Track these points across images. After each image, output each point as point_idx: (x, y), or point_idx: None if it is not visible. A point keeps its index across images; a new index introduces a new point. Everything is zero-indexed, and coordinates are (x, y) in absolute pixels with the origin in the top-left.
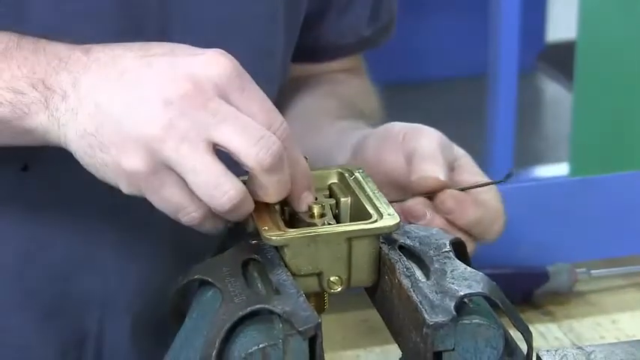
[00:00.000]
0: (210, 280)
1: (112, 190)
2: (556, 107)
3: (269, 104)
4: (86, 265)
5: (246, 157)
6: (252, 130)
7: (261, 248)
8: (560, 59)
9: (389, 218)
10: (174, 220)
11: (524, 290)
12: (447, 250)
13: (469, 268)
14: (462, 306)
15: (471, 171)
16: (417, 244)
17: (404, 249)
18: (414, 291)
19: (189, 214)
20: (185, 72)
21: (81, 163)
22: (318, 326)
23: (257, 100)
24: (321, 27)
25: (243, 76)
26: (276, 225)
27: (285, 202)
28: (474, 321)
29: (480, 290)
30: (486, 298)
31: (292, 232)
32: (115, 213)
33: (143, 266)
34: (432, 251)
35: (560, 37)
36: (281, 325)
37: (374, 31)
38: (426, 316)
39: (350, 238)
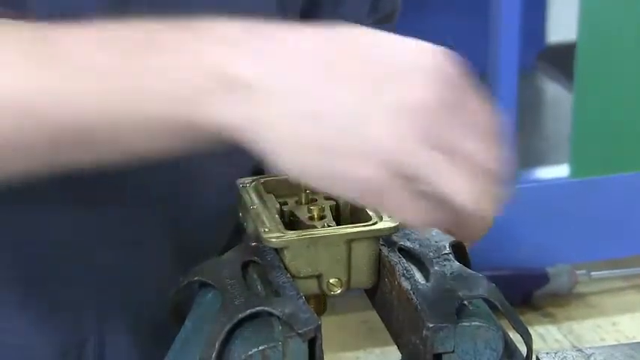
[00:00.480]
0: (210, 281)
1: (109, 191)
2: (556, 108)
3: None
4: (84, 265)
5: (463, 198)
6: (479, 171)
7: (260, 250)
8: (561, 60)
9: (388, 220)
10: (172, 219)
11: (524, 292)
12: (446, 252)
13: (469, 270)
14: (462, 308)
15: None
16: (417, 246)
17: (403, 251)
18: (413, 293)
19: (433, 219)
20: (419, 74)
21: (284, 167)
22: (318, 328)
23: (482, 119)
24: (319, 18)
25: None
26: (275, 227)
27: (284, 203)
28: (473, 323)
29: (479, 292)
30: (486, 300)
31: (292, 234)
32: (113, 212)
33: (141, 266)
34: (431, 253)
35: (561, 38)
36: (281, 327)
37: (375, 21)
38: (425, 318)
39: (350, 240)
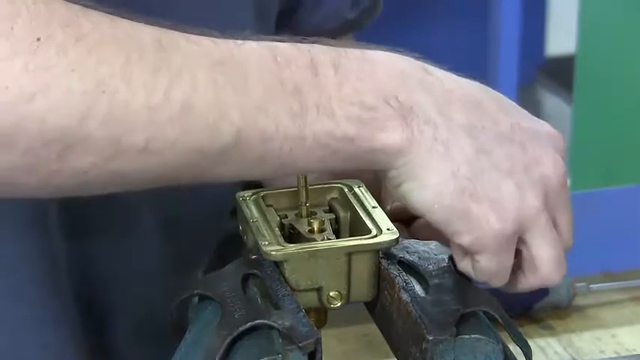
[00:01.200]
0: (210, 295)
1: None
2: (556, 120)
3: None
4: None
5: (547, 274)
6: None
7: (260, 263)
8: (560, 72)
9: (388, 233)
10: (165, 227)
11: (523, 304)
12: (446, 264)
13: (468, 283)
14: (462, 321)
15: None
16: (417, 258)
17: (403, 264)
18: (413, 306)
19: (501, 280)
20: (562, 153)
21: (423, 198)
22: (318, 341)
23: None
24: (301, 12)
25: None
26: (275, 240)
27: (284, 217)
28: (473, 336)
29: (479, 305)
30: (485, 312)
31: (292, 247)
32: (109, 218)
33: (135, 274)
34: (431, 266)
35: (560, 50)
36: (281, 340)
37: (358, 14)
38: (425, 330)
39: (349, 253)
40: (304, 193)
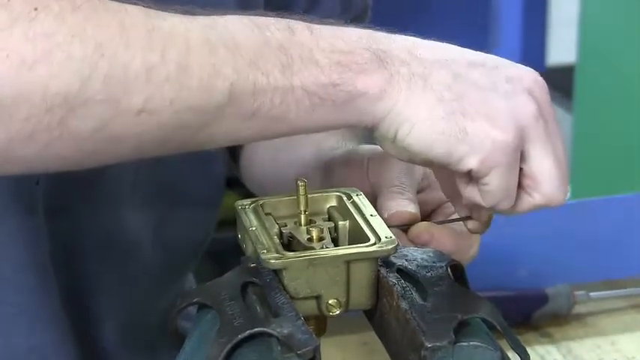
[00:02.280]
0: (209, 303)
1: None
2: None
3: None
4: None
5: (548, 189)
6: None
7: (259, 271)
8: (561, 82)
9: (387, 241)
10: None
11: (523, 312)
12: (444, 272)
13: (467, 290)
14: (460, 328)
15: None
16: (415, 266)
17: (402, 271)
18: (412, 313)
19: (511, 198)
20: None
21: (418, 134)
22: (317, 349)
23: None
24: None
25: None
26: (274, 248)
27: (283, 225)
28: (471, 343)
29: (477, 312)
30: (484, 320)
31: (291, 256)
32: (97, 221)
33: (123, 276)
34: (429, 273)
35: (561, 60)
36: (280, 348)
37: (347, 21)
38: (423, 338)
39: (348, 261)
40: (303, 201)
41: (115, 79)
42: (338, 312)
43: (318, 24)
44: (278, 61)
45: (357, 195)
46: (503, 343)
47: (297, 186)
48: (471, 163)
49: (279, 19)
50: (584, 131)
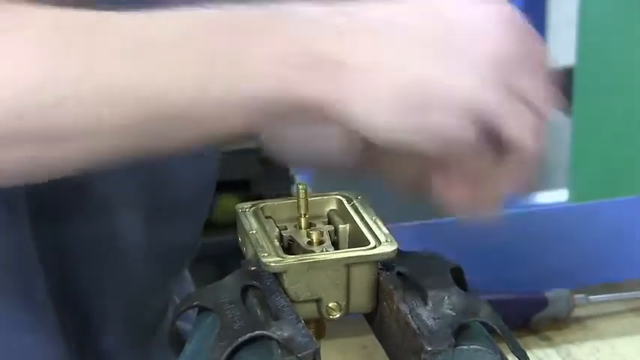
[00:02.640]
0: (209, 306)
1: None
2: (556, 133)
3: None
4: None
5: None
6: (539, 115)
7: (259, 275)
8: (560, 85)
9: (387, 244)
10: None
11: (522, 316)
12: (444, 275)
13: (467, 294)
14: (460, 332)
15: None
16: (415, 269)
17: (402, 275)
18: (412, 317)
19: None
20: (491, 28)
21: (373, 127)
22: (317, 352)
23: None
24: None
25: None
26: (274, 251)
27: (283, 228)
28: (471, 346)
29: (477, 316)
30: (484, 323)
31: (291, 259)
32: (89, 224)
33: (115, 277)
34: (429, 277)
35: (560, 64)
36: (280, 351)
37: None
38: (424, 341)
39: (348, 264)
40: (303, 204)
41: (47, 106)
42: (338, 315)
43: (265, 11)
44: (215, 72)
45: (357, 198)
46: (503, 347)
47: (298, 189)
48: (434, 155)
49: (225, 15)
50: (583, 134)
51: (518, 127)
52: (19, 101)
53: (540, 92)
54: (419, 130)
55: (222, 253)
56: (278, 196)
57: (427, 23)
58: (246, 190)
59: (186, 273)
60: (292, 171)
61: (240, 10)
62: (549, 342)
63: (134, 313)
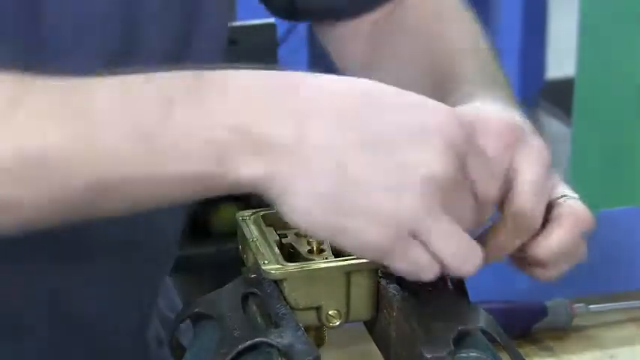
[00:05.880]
0: (209, 313)
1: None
2: (557, 144)
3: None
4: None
5: (455, 268)
6: (464, 246)
7: (260, 282)
8: (561, 96)
9: None
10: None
11: (522, 325)
12: (444, 284)
13: (466, 302)
14: (460, 339)
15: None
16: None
17: (402, 283)
18: (411, 325)
19: (429, 272)
20: (443, 142)
21: (296, 219)
22: (317, 359)
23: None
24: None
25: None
26: (275, 259)
27: (284, 236)
28: (471, 354)
29: (477, 323)
30: (484, 332)
31: (291, 267)
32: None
33: (94, 289)
34: (429, 285)
35: (561, 74)
36: (280, 358)
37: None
38: (423, 349)
39: (348, 272)
40: None
41: None
42: (338, 323)
43: (204, 81)
44: (143, 152)
45: None
46: (503, 356)
47: None
48: (354, 253)
49: (158, 86)
50: (583, 145)
51: (444, 247)
52: None
53: (470, 215)
54: (336, 232)
55: (222, 262)
56: None
57: (373, 121)
58: (245, 199)
59: (168, 281)
60: None
61: (171, 81)
62: (549, 351)
63: (114, 318)
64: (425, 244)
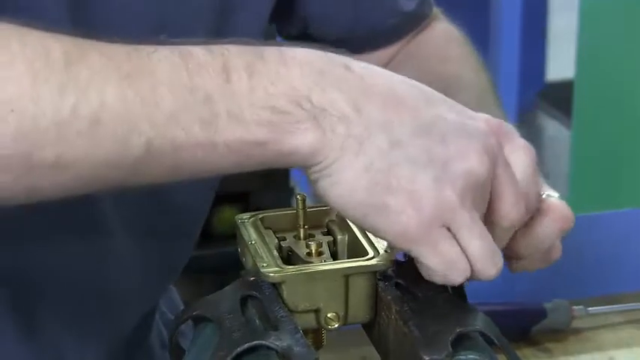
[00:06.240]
0: (208, 316)
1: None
2: (556, 145)
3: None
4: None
5: (481, 268)
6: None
7: (259, 285)
8: (560, 98)
9: (385, 255)
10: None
11: (521, 327)
12: (442, 286)
13: (465, 305)
14: (458, 341)
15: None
16: (413, 280)
17: (400, 285)
18: (409, 327)
19: (458, 270)
20: (482, 146)
21: (338, 194)
22: None
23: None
24: (342, 15)
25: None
26: (274, 262)
27: (282, 239)
28: (469, 356)
29: (475, 326)
30: (482, 334)
31: (290, 269)
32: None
33: (118, 279)
34: (427, 287)
35: (560, 76)
36: None
37: (417, 3)
38: (421, 351)
39: (347, 274)
40: (302, 215)
41: (25, 134)
42: (337, 325)
43: (262, 55)
44: (200, 115)
45: None
46: (502, 358)
47: (297, 200)
48: (386, 236)
49: (217, 54)
50: (582, 146)
51: (475, 244)
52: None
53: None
54: (374, 212)
55: (222, 265)
56: (277, 207)
57: (425, 110)
58: (245, 202)
59: (171, 285)
60: (292, 183)
61: (234, 49)
62: (548, 353)
63: (116, 327)
64: (456, 238)
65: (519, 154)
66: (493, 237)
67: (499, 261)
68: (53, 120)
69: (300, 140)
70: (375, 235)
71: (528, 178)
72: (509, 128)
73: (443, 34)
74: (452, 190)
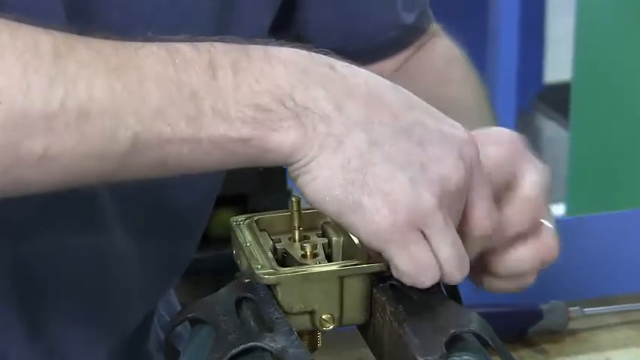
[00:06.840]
0: (203, 318)
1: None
2: (554, 147)
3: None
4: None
5: (449, 272)
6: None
7: (254, 287)
8: (559, 99)
9: (380, 257)
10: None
11: (518, 328)
12: (437, 287)
13: (460, 306)
14: (452, 343)
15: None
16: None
17: (395, 287)
18: (404, 328)
19: (428, 274)
20: (459, 154)
21: (314, 190)
22: None
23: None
24: (340, 26)
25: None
26: (268, 264)
27: (277, 241)
28: (464, 357)
29: (470, 327)
30: (477, 335)
31: (285, 271)
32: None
33: (120, 276)
34: (422, 289)
35: (558, 78)
36: None
37: (417, 16)
38: (416, 352)
39: (342, 276)
40: (297, 217)
41: (13, 125)
42: (332, 327)
43: (247, 53)
44: (186, 112)
45: None
46: (496, 359)
47: (291, 202)
48: (360, 234)
49: (204, 51)
50: (580, 148)
51: (445, 249)
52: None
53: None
54: (350, 210)
55: (220, 267)
56: (274, 209)
57: (406, 113)
58: (243, 204)
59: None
60: (289, 186)
61: (219, 47)
62: (544, 354)
63: (118, 328)
64: (429, 242)
65: (535, 172)
66: (465, 246)
67: (466, 268)
68: (42, 111)
69: (283, 138)
70: (350, 233)
71: (538, 195)
72: (521, 142)
73: (444, 54)
74: (428, 193)
